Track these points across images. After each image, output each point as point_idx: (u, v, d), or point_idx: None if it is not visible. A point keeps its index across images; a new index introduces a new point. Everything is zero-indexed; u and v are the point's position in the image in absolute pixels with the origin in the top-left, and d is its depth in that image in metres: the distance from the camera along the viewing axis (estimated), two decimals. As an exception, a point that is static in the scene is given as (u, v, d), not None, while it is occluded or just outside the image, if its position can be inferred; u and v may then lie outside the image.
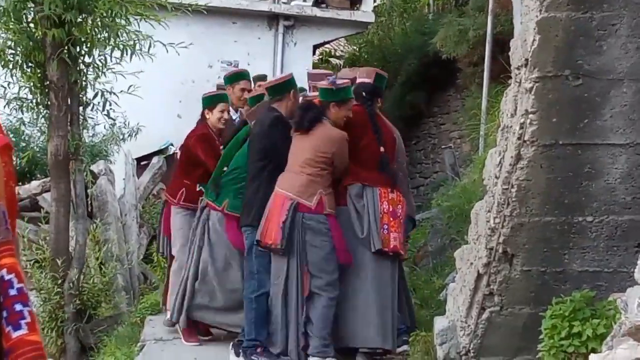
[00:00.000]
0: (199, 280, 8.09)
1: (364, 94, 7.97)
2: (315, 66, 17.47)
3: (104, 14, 9.38)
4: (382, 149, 7.75)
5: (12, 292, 1.24)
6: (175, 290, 8.28)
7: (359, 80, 8.11)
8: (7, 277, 1.24)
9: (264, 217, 7.37)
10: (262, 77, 10.73)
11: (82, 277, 10.17)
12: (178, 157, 9.52)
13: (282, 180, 7.44)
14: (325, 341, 7.36)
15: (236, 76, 9.63)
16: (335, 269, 7.39)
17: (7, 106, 9.87)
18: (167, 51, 9.95)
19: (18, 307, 1.25)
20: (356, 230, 7.59)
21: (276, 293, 7.46)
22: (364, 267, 7.60)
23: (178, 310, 8.13)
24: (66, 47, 9.36)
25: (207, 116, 8.75)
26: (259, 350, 7.56)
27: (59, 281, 9.68)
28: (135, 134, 13.23)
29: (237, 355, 7.68)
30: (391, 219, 7.56)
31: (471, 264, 6.65)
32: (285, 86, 8.01)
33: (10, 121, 10.94)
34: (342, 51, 22.24)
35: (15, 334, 1.25)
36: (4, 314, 1.25)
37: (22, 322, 1.25)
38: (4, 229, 1.27)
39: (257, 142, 7.84)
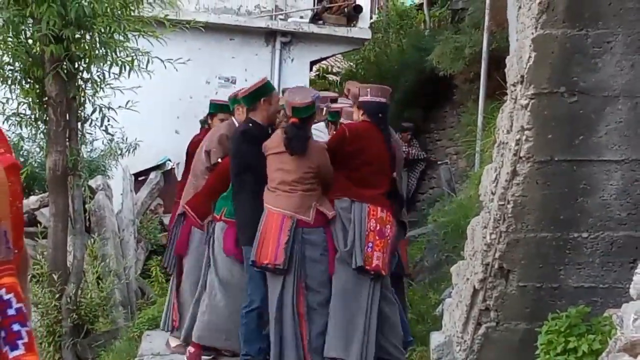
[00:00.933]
0: (207, 301, 7.97)
1: (379, 114, 7.67)
2: (312, 82, 17.50)
3: (102, 31, 9.41)
4: (394, 174, 7.68)
5: (11, 312, 1.24)
6: (188, 308, 8.27)
7: (373, 99, 7.67)
8: (5, 297, 1.24)
9: (258, 237, 7.25)
10: None
11: (79, 292, 10.18)
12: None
13: (274, 199, 7.31)
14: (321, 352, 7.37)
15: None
16: (329, 285, 7.38)
17: (5, 122, 9.87)
18: (165, 67, 9.98)
19: (16, 327, 1.25)
20: (339, 242, 7.44)
21: (272, 311, 7.35)
22: (338, 280, 7.46)
23: (187, 329, 8.08)
24: (64, 63, 9.37)
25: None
26: None
27: (57, 296, 9.67)
28: (133, 150, 13.21)
29: None
30: (377, 237, 7.37)
31: (467, 279, 6.65)
32: (257, 94, 7.84)
33: (9, 137, 10.92)
34: (338, 67, 22.29)
35: (12, 354, 1.25)
36: (2, 333, 1.25)
37: (20, 342, 1.25)
38: (5, 249, 1.27)
39: (233, 158, 7.81)
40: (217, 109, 8.97)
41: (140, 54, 9.82)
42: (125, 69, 9.78)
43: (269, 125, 7.76)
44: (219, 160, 8.09)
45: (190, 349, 7.87)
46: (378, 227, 7.35)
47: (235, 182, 7.71)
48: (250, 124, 7.76)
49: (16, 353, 1.25)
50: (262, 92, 7.82)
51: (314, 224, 7.29)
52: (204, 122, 10.01)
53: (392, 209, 7.53)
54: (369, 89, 7.83)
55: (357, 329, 7.25)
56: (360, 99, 7.84)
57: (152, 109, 12.34)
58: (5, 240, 1.26)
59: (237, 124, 8.37)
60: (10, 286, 1.25)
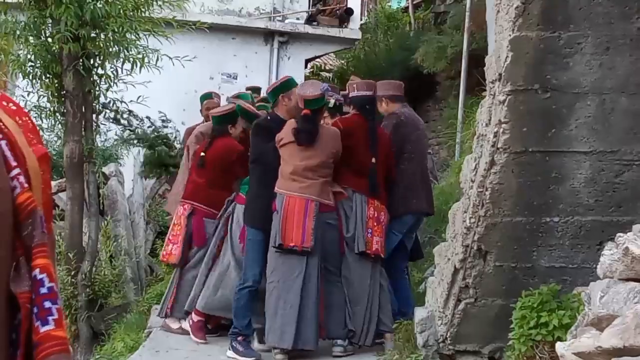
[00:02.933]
0: (219, 276, 8.00)
1: (366, 106, 7.81)
2: (306, 78, 17.46)
3: (116, 30, 9.38)
4: (373, 160, 7.62)
5: (43, 290, 1.24)
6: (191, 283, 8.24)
7: (359, 93, 7.87)
8: (39, 277, 1.24)
9: (281, 221, 7.22)
10: (257, 89, 10.74)
11: (94, 269, 10.17)
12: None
13: (293, 185, 7.30)
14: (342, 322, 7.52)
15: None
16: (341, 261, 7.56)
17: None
18: (173, 64, 9.96)
19: (47, 304, 1.25)
20: (342, 229, 7.56)
21: (293, 290, 7.32)
22: (344, 262, 7.61)
23: (192, 301, 8.06)
24: (81, 60, 9.36)
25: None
26: (239, 338, 7.57)
27: (73, 273, 9.67)
28: (138, 142, 13.27)
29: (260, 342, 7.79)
30: (375, 224, 7.54)
31: (448, 259, 6.65)
32: (277, 90, 7.93)
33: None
34: (331, 65, 22.26)
35: (43, 329, 1.25)
36: (35, 310, 1.26)
37: (50, 318, 1.25)
38: (40, 232, 1.27)
39: (250, 148, 7.91)
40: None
41: (150, 51, 9.80)
42: (136, 66, 9.77)
43: (290, 119, 7.68)
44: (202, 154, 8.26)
45: (194, 317, 7.94)
46: (376, 215, 7.51)
47: (249, 169, 7.80)
48: (268, 117, 7.86)
49: (46, 328, 1.25)
50: (282, 88, 7.90)
51: (333, 206, 7.45)
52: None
53: (384, 196, 7.66)
54: (355, 85, 8.00)
55: (362, 307, 7.41)
56: (350, 95, 7.92)
57: (160, 102, 12.31)
58: (41, 224, 1.26)
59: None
60: (44, 267, 1.25)
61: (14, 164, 1.25)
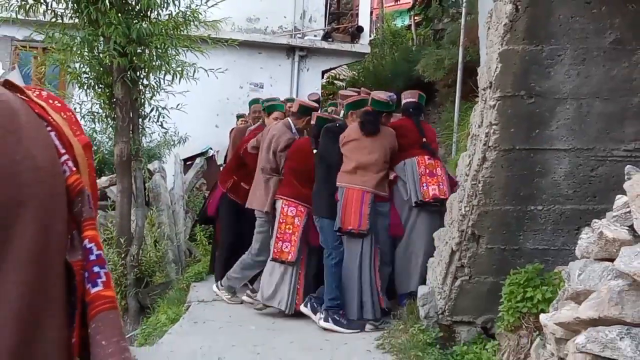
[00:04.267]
0: None
1: (410, 109, 8.09)
2: (323, 88, 17.47)
3: (158, 47, 9.41)
4: (424, 139, 7.84)
5: (92, 257, 1.26)
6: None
7: (406, 100, 8.19)
8: (88, 246, 1.26)
9: (341, 209, 7.36)
10: (291, 100, 10.75)
11: (140, 252, 10.22)
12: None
13: (351, 177, 7.44)
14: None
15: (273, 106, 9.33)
16: (390, 247, 7.66)
17: (82, 119, 9.89)
18: (208, 75, 9.97)
19: (96, 269, 1.27)
20: (402, 194, 7.73)
21: (354, 268, 7.44)
22: (409, 222, 7.74)
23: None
24: (128, 72, 9.39)
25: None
26: (341, 312, 7.58)
27: (123, 255, 9.71)
28: (184, 141, 13.31)
29: (314, 312, 7.69)
30: (428, 177, 7.67)
31: (446, 243, 6.65)
32: (349, 107, 8.03)
33: (85, 131, 10.92)
34: (344, 75, 22.24)
35: (93, 290, 1.27)
36: (86, 274, 1.28)
37: (99, 280, 1.27)
38: (88, 208, 1.29)
39: (323, 149, 7.87)
40: (272, 108, 8.85)
41: (188, 65, 9.82)
42: (176, 77, 9.79)
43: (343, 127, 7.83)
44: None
45: None
46: (427, 171, 7.75)
47: (319, 170, 7.83)
48: (337, 124, 7.93)
49: (96, 289, 1.27)
50: (354, 106, 8.01)
51: (387, 198, 7.55)
52: (239, 116, 10.09)
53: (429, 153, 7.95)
54: (402, 94, 8.43)
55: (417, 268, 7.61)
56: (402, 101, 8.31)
57: (197, 108, 12.33)
58: (88, 202, 1.28)
59: (293, 128, 8.36)
60: (92, 237, 1.27)
61: (62, 151, 1.27)
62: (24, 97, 1.30)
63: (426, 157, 7.79)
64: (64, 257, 1.24)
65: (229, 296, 8.28)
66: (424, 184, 7.65)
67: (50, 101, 1.35)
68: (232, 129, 10.15)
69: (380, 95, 7.79)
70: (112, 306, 1.25)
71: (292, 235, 7.77)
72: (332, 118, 8.30)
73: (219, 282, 8.68)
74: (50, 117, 1.29)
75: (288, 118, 8.52)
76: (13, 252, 1.18)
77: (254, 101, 10.12)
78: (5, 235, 1.17)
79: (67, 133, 1.30)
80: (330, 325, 7.46)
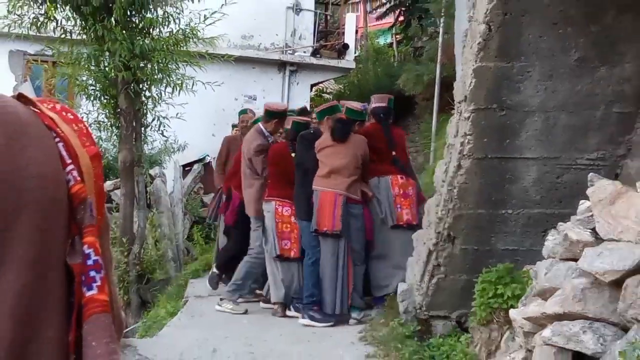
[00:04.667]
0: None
1: (381, 115, 8.00)
2: (312, 100, 17.47)
3: (160, 61, 9.41)
4: (393, 153, 7.77)
5: (90, 262, 1.26)
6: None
7: (376, 104, 8.10)
8: (87, 251, 1.26)
9: (316, 211, 7.34)
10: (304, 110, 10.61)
11: (142, 251, 10.22)
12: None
13: (325, 180, 7.39)
14: (360, 295, 7.59)
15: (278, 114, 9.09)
16: (364, 246, 7.56)
17: (89, 127, 9.88)
18: (205, 88, 9.99)
19: (92, 273, 1.26)
20: (378, 211, 7.67)
21: (329, 266, 7.43)
22: (384, 237, 7.69)
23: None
24: (132, 85, 9.38)
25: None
26: (315, 307, 7.56)
27: (125, 253, 9.70)
28: (182, 149, 13.30)
29: (297, 310, 7.68)
30: (402, 199, 7.65)
31: (424, 243, 6.65)
32: (323, 113, 7.92)
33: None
34: (331, 89, 22.24)
35: (88, 293, 1.26)
36: (83, 278, 1.28)
37: (94, 284, 1.27)
38: (89, 216, 1.28)
39: (299, 155, 7.82)
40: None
41: (187, 78, 9.82)
42: (176, 89, 9.79)
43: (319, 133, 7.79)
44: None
45: None
46: (402, 192, 7.73)
47: (297, 174, 7.78)
48: (312, 131, 7.88)
49: (91, 293, 1.26)
50: (328, 111, 7.91)
51: (359, 200, 7.47)
52: (234, 126, 10.04)
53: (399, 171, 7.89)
54: (372, 98, 8.56)
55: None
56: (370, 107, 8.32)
57: (195, 118, 12.31)
58: (90, 209, 1.28)
59: (265, 133, 8.19)
60: (91, 243, 1.26)
61: (68, 161, 1.26)
62: (36, 109, 1.29)
63: (399, 176, 7.75)
64: (63, 261, 1.24)
65: (231, 306, 8.12)
66: (398, 206, 7.64)
67: (63, 113, 1.35)
68: (225, 137, 10.08)
69: (354, 104, 7.83)
70: (104, 310, 1.25)
71: (291, 233, 7.72)
72: (306, 122, 8.21)
73: (219, 300, 8.29)
74: (59, 129, 1.28)
75: (259, 124, 8.37)
76: (12, 254, 1.17)
77: (243, 111, 10.03)
78: (5, 237, 1.16)
79: (74, 144, 1.29)
80: (307, 321, 7.50)
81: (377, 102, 8.28)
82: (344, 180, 7.35)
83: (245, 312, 7.99)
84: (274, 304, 7.87)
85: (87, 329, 1.24)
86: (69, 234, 1.25)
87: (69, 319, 1.24)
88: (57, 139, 1.28)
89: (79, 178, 1.26)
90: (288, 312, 7.77)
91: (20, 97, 1.31)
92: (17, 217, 1.18)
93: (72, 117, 1.35)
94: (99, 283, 1.25)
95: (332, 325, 7.43)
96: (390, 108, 8.22)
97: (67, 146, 1.28)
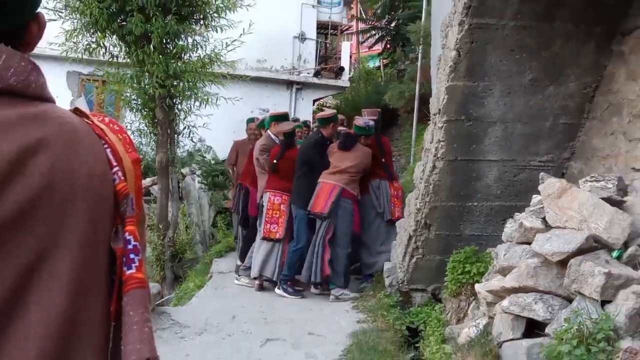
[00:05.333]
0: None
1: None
2: (314, 113, 17.45)
3: (189, 81, 9.39)
4: (383, 160, 7.83)
5: (130, 246, 1.27)
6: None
7: (367, 118, 8.03)
8: (128, 237, 1.26)
9: (314, 196, 7.36)
10: (295, 119, 10.58)
11: (175, 235, 10.19)
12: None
13: (330, 176, 7.41)
14: (341, 274, 7.48)
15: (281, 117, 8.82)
16: (349, 235, 7.48)
17: (132, 135, 9.88)
18: (227, 102, 9.96)
19: (132, 255, 1.27)
20: (376, 207, 7.75)
21: (312, 241, 7.49)
22: (377, 227, 7.76)
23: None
24: (167, 100, 9.37)
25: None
26: (289, 282, 7.62)
27: (161, 237, 9.68)
28: (208, 152, 13.29)
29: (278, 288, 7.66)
30: (396, 200, 7.77)
31: (405, 230, 6.66)
32: (329, 120, 7.89)
33: (134, 143, 10.96)
34: (330, 104, 22.18)
35: (128, 272, 1.27)
36: (124, 259, 1.28)
37: (133, 265, 1.27)
38: (130, 209, 1.29)
39: (302, 153, 7.80)
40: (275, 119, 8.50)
41: (211, 94, 9.81)
42: (203, 103, 9.78)
43: (329, 137, 7.83)
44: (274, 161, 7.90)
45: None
46: (395, 193, 7.87)
47: (299, 168, 7.71)
48: (319, 135, 7.86)
49: (130, 271, 1.27)
50: (331, 120, 7.94)
51: (352, 196, 7.45)
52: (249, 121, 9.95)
53: (389, 176, 8.00)
54: (365, 112, 8.53)
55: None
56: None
57: (218, 127, 12.26)
58: (131, 203, 1.29)
59: (272, 137, 8.17)
60: (131, 231, 1.27)
61: (114, 164, 1.28)
62: (89, 121, 1.30)
63: (394, 182, 7.89)
64: (108, 244, 1.25)
65: (247, 281, 8.07)
66: (392, 204, 7.73)
67: (111, 125, 1.36)
68: (234, 142, 10.02)
69: (359, 122, 7.78)
70: (141, 285, 1.26)
71: (279, 218, 7.68)
72: (292, 131, 8.11)
73: (237, 274, 8.31)
74: (107, 137, 1.30)
75: (269, 131, 8.34)
76: (67, 237, 1.18)
77: (250, 120, 10.02)
78: (61, 224, 1.17)
79: (119, 150, 1.31)
80: (280, 292, 7.58)
81: (368, 115, 8.24)
82: (344, 177, 7.37)
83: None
84: (254, 278, 7.84)
85: (127, 301, 1.24)
86: (114, 223, 1.26)
87: (111, 292, 1.25)
88: (106, 146, 1.29)
89: (122, 178, 1.28)
90: (277, 291, 7.68)
91: (76, 111, 1.31)
92: (71, 208, 1.19)
93: (117, 128, 1.37)
94: (137, 264, 1.26)
95: (301, 297, 7.52)
96: (379, 120, 8.22)
97: (114, 152, 1.29)
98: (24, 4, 1.24)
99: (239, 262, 8.43)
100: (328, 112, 8.41)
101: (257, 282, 7.82)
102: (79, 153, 1.22)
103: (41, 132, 1.18)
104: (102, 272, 1.24)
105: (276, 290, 7.64)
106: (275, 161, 7.73)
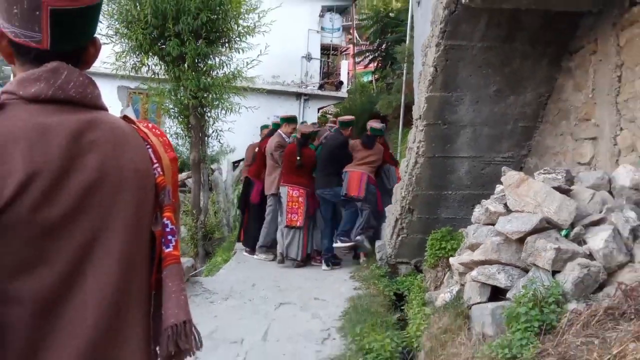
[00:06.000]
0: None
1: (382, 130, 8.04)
2: (318, 118, 17.43)
3: (217, 93, 9.40)
4: (390, 152, 8.14)
5: (167, 229, 1.28)
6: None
7: (375, 125, 7.87)
8: (165, 222, 1.27)
9: (346, 182, 7.34)
10: (303, 122, 10.47)
11: (206, 219, 10.21)
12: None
13: (357, 167, 7.40)
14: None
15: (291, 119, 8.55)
16: (374, 207, 7.52)
17: (170, 137, 9.92)
18: (247, 111, 9.98)
19: (169, 237, 1.28)
20: (386, 183, 7.80)
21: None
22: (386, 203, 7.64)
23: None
24: (198, 109, 9.39)
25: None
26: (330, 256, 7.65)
27: (195, 220, 9.71)
28: (232, 151, 13.30)
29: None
30: (400, 180, 7.70)
31: (393, 214, 6.66)
32: (349, 124, 7.85)
33: (172, 145, 11.01)
34: (332, 111, 22.15)
35: (166, 250, 1.28)
36: (162, 240, 1.29)
37: (170, 244, 1.28)
38: (167, 198, 1.30)
39: (330, 151, 7.69)
40: (284, 121, 8.32)
41: (235, 104, 9.81)
42: (228, 112, 9.78)
43: (349, 137, 7.77)
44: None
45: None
46: (399, 175, 7.68)
47: (325, 163, 7.63)
48: (342, 136, 7.78)
49: (168, 249, 1.28)
50: (350, 123, 7.90)
51: (374, 182, 7.51)
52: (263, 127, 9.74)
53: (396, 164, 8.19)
54: (371, 121, 8.18)
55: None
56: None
57: (240, 131, 12.30)
58: (168, 194, 1.29)
59: (283, 135, 8.01)
60: (169, 217, 1.28)
61: (155, 162, 1.29)
62: (135, 126, 1.32)
63: (398, 168, 7.81)
64: (150, 227, 1.26)
65: (264, 256, 8.04)
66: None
67: (154, 129, 1.38)
68: (249, 145, 9.70)
69: (376, 125, 7.75)
70: (177, 261, 1.28)
71: (299, 208, 7.58)
72: (310, 133, 7.91)
73: (256, 251, 8.15)
74: (149, 140, 1.31)
75: (280, 130, 8.16)
76: (117, 221, 1.20)
77: (265, 126, 9.88)
78: (112, 210, 1.19)
79: (159, 151, 1.32)
80: (326, 267, 7.55)
81: (374, 122, 8.10)
82: (366, 167, 7.39)
83: (273, 259, 7.97)
84: (280, 254, 7.74)
85: (166, 274, 1.26)
86: (154, 210, 1.28)
87: (151, 266, 1.27)
88: (148, 146, 1.31)
89: (161, 173, 1.29)
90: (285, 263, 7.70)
91: (125, 118, 1.33)
92: (119, 196, 1.20)
93: (159, 132, 1.39)
94: (174, 243, 1.27)
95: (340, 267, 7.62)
96: (384, 126, 8.38)
97: (155, 151, 1.31)
98: (86, 31, 1.26)
99: (260, 242, 8.23)
100: (348, 117, 8.30)
101: (279, 257, 7.75)
102: (125, 152, 1.23)
103: (94, 134, 1.20)
104: (145, 249, 1.25)
105: (323, 268, 7.55)
106: (299, 158, 7.51)
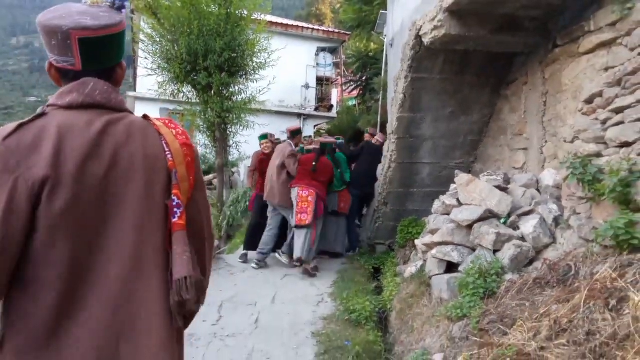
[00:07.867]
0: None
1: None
2: (315, 135, 17.40)
3: (236, 114, 9.37)
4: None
5: (174, 203, 1.27)
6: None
7: (380, 137, 7.09)
8: (173, 197, 1.26)
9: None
10: (338, 138, 8.60)
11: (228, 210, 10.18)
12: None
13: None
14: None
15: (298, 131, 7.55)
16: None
17: (199, 147, 9.87)
18: (260, 127, 9.94)
19: (175, 209, 1.27)
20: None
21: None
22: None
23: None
24: (222, 125, 9.34)
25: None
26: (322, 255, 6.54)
27: (219, 211, 9.66)
28: (248, 158, 13.21)
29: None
30: None
31: (372, 207, 6.64)
32: (295, 132, 7.02)
33: (201, 152, 10.98)
34: (324, 128, 22.09)
35: (173, 220, 1.27)
36: (172, 211, 1.28)
37: (176, 215, 1.27)
38: (175, 178, 1.28)
39: (373, 156, 6.74)
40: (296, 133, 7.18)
41: (250, 122, 9.79)
42: (245, 128, 9.75)
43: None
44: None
45: None
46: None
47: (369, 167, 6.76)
48: (351, 147, 7.12)
49: (175, 219, 1.27)
50: (298, 132, 7.14)
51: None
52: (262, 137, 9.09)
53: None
54: (377, 135, 7.23)
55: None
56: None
57: (254, 143, 12.23)
58: (175, 175, 1.29)
59: (291, 145, 6.84)
60: (176, 193, 1.27)
61: (167, 149, 1.26)
62: (151, 122, 1.30)
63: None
64: (163, 201, 1.24)
65: (285, 259, 6.84)
66: None
67: (167, 122, 1.34)
68: (254, 152, 8.13)
69: (378, 137, 7.06)
70: (181, 229, 1.24)
71: (308, 208, 6.44)
72: (330, 143, 6.83)
73: (277, 252, 6.65)
74: (162, 131, 1.29)
75: (287, 140, 7.04)
76: (130, 195, 1.19)
77: (263, 136, 8.30)
78: (126, 186, 1.18)
79: (170, 139, 1.28)
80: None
81: (371, 131, 7.44)
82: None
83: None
84: (291, 259, 6.23)
85: (173, 239, 1.23)
86: (168, 187, 1.25)
87: (164, 232, 1.23)
88: (162, 137, 1.28)
89: (171, 158, 1.26)
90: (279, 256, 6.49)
91: (144, 117, 1.31)
92: (132, 176, 1.19)
93: (173, 125, 1.34)
94: (179, 214, 1.24)
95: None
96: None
97: (166, 141, 1.28)
98: (111, 54, 1.26)
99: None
100: (295, 126, 7.29)
101: (295, 262, 6.05)
102: (136, 141, 1.23)
103: (114, 129, 1.20)
104: (157, 218, 1.22)
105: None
106: (314, 163, 6.27)
